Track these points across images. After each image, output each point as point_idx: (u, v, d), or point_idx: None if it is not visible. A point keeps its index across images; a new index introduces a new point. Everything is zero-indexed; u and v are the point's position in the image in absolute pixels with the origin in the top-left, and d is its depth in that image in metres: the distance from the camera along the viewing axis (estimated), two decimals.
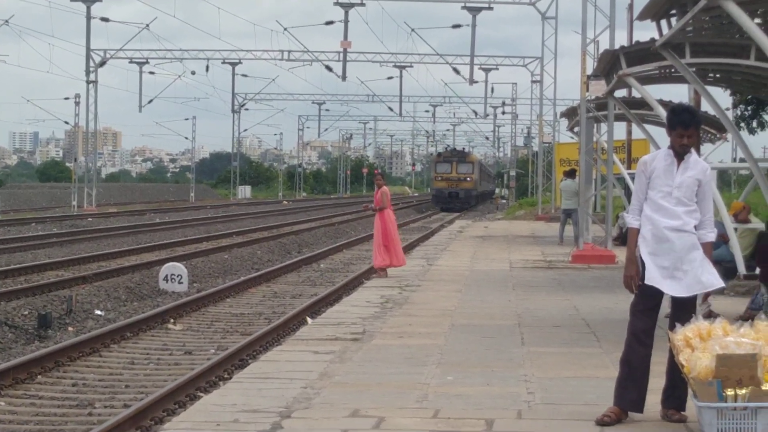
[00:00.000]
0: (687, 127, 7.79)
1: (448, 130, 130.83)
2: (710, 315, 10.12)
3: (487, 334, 12.74)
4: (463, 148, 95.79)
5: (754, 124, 40.50)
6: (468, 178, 77.16)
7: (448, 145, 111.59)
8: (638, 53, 17.30)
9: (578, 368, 10.40)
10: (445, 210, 72.37)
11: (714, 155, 31.32)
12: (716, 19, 13.71)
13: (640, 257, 7.83)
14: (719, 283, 7.86)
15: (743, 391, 7.08)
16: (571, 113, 36.00)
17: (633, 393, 7.85)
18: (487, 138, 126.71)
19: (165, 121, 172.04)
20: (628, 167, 35.42)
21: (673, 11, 14.00)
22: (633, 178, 10.58)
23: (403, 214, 60.47)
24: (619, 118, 29.32)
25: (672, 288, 7.74)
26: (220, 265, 27.49)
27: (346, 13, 52.99)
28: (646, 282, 7.77)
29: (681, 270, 7.73)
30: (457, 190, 76.05)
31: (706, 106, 22.65)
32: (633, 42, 23.84)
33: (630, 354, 7.86)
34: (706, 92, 17.09)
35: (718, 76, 18.16)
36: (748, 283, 16.41)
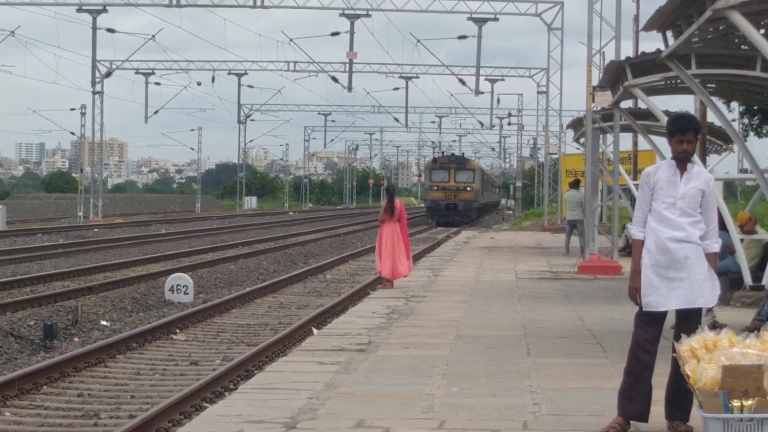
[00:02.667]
0: (684, 132, 7.75)
1: (454, 141, 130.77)
2: (715, 326, 10.10)
3: (493, 344, 12.73)
4: (462, 153, 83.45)
5: (764, 130, 40.51)
6: (468, 188, 66.82)
7: (444, 150, 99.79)
8: (644, 64, 17.32)
9: (584, 379, 10.38)
10: (442, 224, 64.14)
11: (720, 166, 31.32)
12: (722, 30, 13.71)
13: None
14: (713, 301, 7.88)
15: (749, 402, 7.05)
16: (577, 124, 36.02)
17: (637, 403, 7.83)
18: (493, 149, 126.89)
19: (171, 131, 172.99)
20: (634, 178, 35.42)
21: (679, 22, 14.02)
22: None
23: (408, 225, 60.29)
24: (625, 129, 29.33)
25: (671, 301, 7.74)
26: (226, 276, 27.50)
27: (352, 24, 53.00)
28: (644, 309, 7.76)
29: (683, 279, 7.73)
30: (455, 201, 65.79)
31: (712, 117, 22.65)
32: (639, 53, 23.83)
33: (634, 364, 7.84)
34: (712, 103, 17.09)
35: (721, 86, 18.15)
36: (754, 293, 16.41)
